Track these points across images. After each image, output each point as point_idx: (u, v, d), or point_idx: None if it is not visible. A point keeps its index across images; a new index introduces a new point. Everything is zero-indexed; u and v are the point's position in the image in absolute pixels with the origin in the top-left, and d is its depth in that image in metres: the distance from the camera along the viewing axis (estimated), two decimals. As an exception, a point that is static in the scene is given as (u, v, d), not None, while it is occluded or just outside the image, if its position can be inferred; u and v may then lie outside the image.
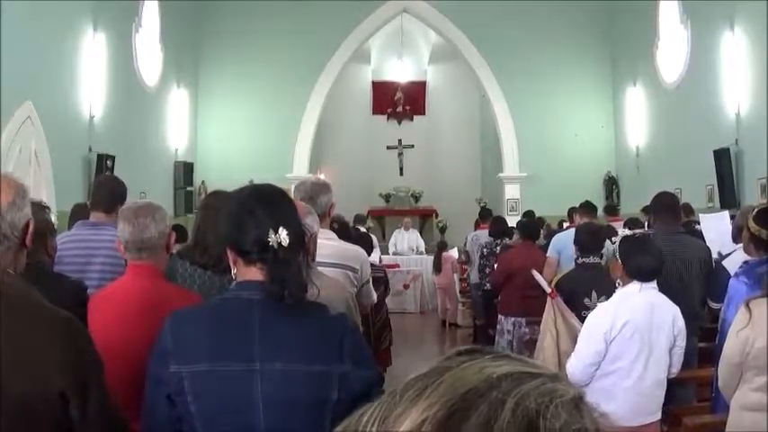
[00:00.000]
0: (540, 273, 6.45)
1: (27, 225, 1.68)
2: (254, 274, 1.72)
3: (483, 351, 0.69)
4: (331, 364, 1.69)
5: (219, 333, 1.71)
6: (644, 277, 3.40)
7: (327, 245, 2.82)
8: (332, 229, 3.30)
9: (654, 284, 3.45)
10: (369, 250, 5.17)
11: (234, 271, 1.79)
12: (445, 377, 0.63)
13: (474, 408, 0.60)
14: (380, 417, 0.63)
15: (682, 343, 3.45)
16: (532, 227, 7.37)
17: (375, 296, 3.64)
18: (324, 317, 1.77)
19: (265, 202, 1.74)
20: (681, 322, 3.43)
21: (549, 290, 4.54)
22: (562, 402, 0.61)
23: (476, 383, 0.62)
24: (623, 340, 3.32)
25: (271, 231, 1.67)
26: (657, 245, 4.47)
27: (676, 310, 3.45)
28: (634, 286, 3.40)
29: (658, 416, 3.47)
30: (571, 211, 8.27)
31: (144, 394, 1.76)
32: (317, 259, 2.55)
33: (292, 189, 2.95)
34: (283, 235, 1.67)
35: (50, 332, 1.53)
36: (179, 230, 3.14)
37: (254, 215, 1.70)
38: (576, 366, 3.41)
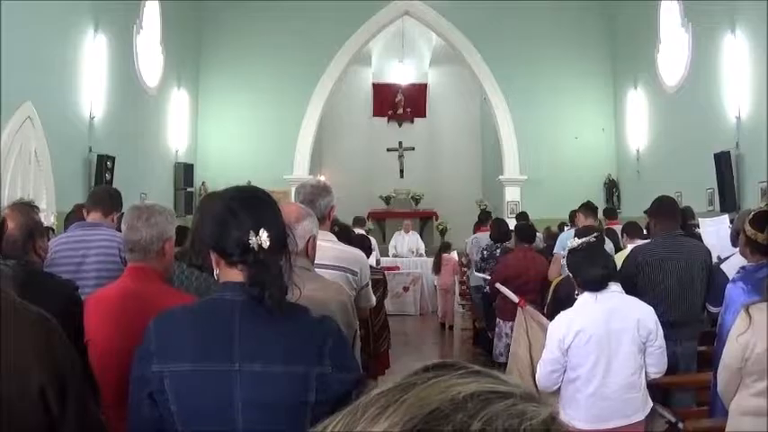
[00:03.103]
0: (544, 273, 6.49)
1: (3, 224, 1.69)
2: (237, 275, 1.74)
3: (453, 366, 0.65)
4: (309, 365, 1.70)
5: (201, 334, 1.73)
6: (594, 287, 3.45)
7: (327, 247, 2.81)
8: (333, 231, 3.29)
9: (615, 288, 3.49)
10: (367, 253, 5.16)
11: (216, 272, 1.81)
12: (409, 395, 0.60)
13: (437, 430, 0.57)
14: None
15: (658, 343, 3.46)
16: (527, 230, 7.35)
17: (374, 299, 3.63)
18: (305, 319, 1.77)
19: (247, 204, 1.75)
20: (650, 323, 3.44)
21: (516, 299, 4.67)
22: (532, 425, 0.57)
23: (440, 403, 0.58)
24: (579, 348, 3.37)
25: (252, 233, 1.68)
26: (657, 248, 4.50)
27: (644, 311, 3.47)
28: (590, 295, 3.46)
29: (639, 417, 3.47)
30: (572, 214, 8.25)
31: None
32: (317, 261, 2.55)
33: (293, 191, 2.94)
34: (264, 237, 1.68)
35: (24, 329, 1.52)
36: (181, 232, 3.14)
37: (236, 217, 1.71)
38: (540, 372, 3.51)
